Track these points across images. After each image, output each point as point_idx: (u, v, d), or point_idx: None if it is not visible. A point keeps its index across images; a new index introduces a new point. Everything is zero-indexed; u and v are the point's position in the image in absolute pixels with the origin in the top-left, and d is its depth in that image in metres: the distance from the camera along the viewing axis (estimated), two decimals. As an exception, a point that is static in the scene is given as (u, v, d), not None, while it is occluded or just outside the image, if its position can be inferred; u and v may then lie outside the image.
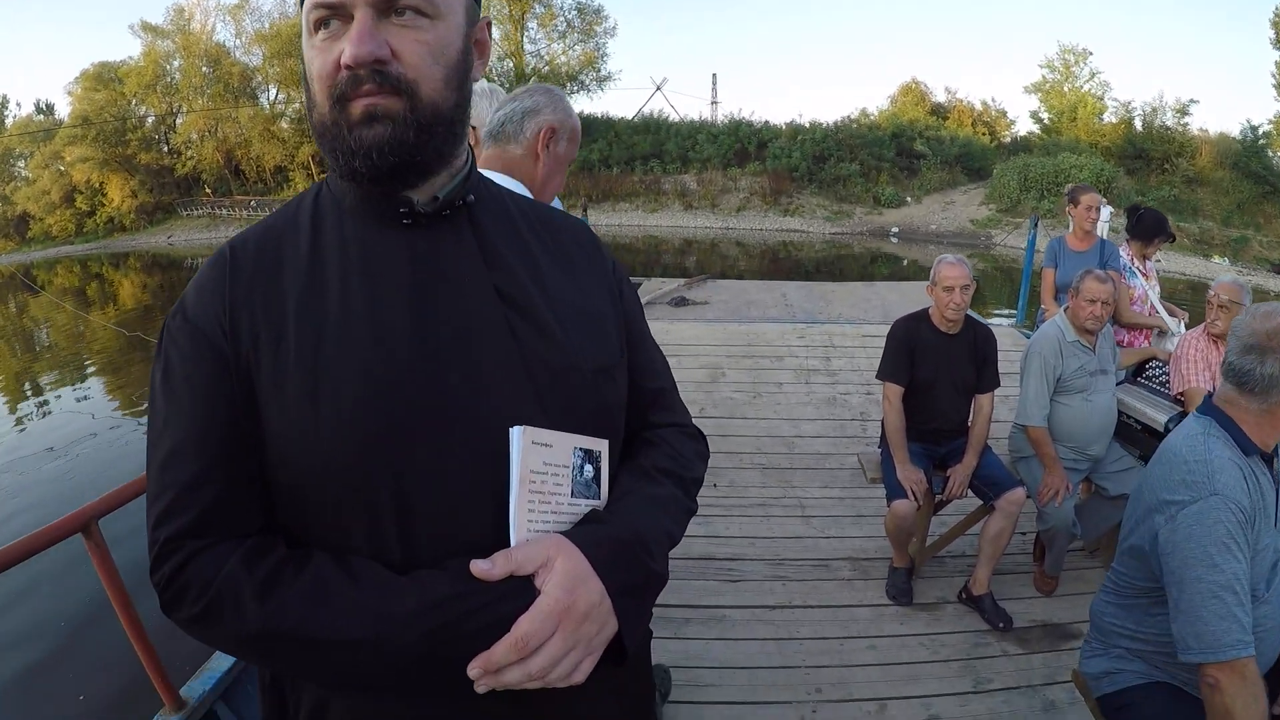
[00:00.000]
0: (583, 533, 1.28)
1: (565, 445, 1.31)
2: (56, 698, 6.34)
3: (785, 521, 5.65)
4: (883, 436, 4.81)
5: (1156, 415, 4.60)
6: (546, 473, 1.28)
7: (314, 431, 1.21)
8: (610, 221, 43.62)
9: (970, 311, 4.66)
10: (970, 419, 4.76)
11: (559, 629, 1.18)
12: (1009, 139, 55.65)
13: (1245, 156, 40.09)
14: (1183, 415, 4.45)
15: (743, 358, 9.27)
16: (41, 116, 62.04)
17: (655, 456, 1.51)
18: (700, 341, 9.76)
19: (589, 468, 1.35)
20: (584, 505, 1.34)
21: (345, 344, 1.24)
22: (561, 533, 1.28)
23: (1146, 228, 6.01)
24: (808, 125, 50.42)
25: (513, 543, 1.24)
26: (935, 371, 4.63)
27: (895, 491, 4.48)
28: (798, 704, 3.82)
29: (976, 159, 47.86)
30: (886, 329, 4.79)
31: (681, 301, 12.39)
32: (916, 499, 4.43)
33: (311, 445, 1.21)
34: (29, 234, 57.12)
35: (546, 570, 1.21)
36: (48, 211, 56.55)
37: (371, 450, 1.21)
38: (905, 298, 13.18)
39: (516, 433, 1.24)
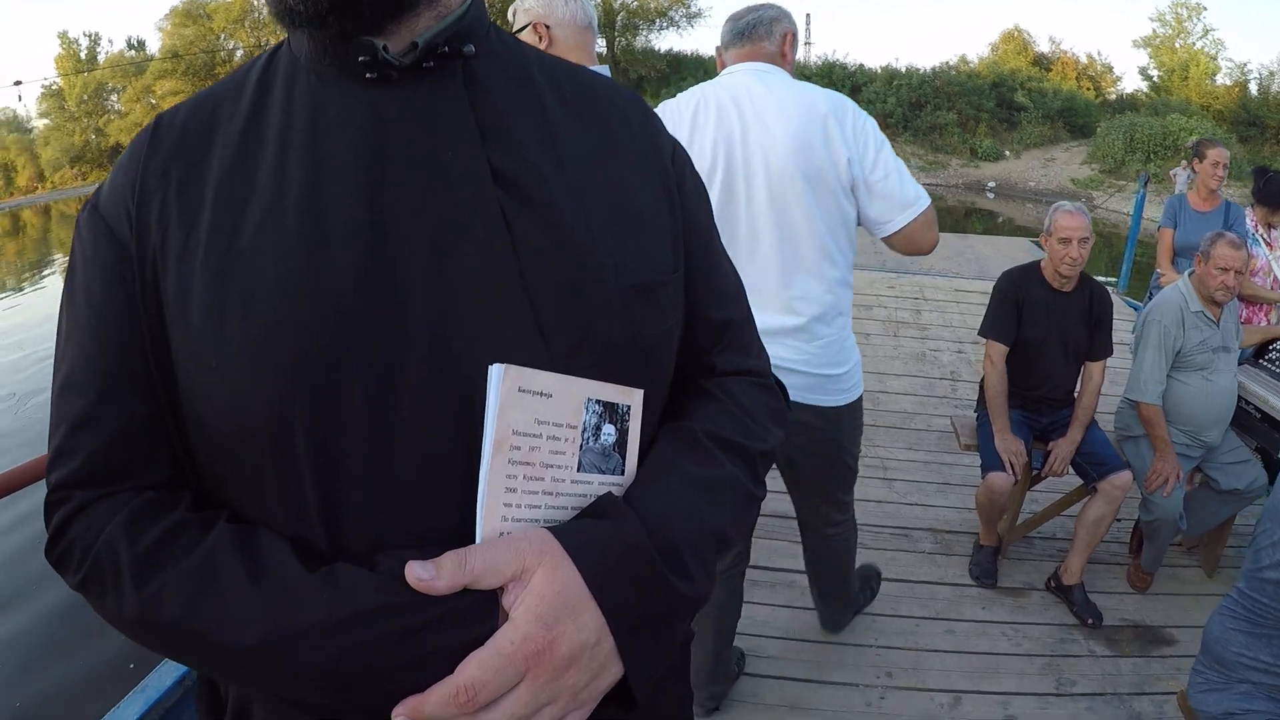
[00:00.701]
0: (583, 532, 0.91)
1: (573, 395, 0.93)
2: (51, 631, 6.29)
3: (866, 483, 5.17)
4: (980, 400, 4.44)
5: (1280, 404, 4.17)
6: (539, 435, 0.91)
7: (218, 357, 0.90)
8: None
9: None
10: (1077, 389, 4.35)
11: (527, 678, 0.84)
12: (1114, 96, 53.20)
13: (1371, 131, 37.68)
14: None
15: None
16: (133, 52, 64.25)
17: (713, 417, 1.11)
18: None
19: (609, 430, 0.98)
20: (597, 485, 0.97)
21: (265, 238, 0.91)
22: (554, 527, 0.91)
23: (1275, 192, 5.56)
24: (904, 70, 48.84)
25: (478, 536, 0.88)
26: (1044, 332, 4.21)
27: (992, 462, 4.11)
28: (865, 688, 3.54)
29: (1080, 115, 45.73)
30: (981, 284, 4.46)
31: None
32: (1015, 473, 4.06)
33: (216, 376, 0.90)
34: (122, 164, 60.38)
35: (519, 586, 0.86)
36: (140, 143, 59.52)
37: (286, 389, 0.88)
38: (1001, 253, 12.59)
39: (496, 374, 0.87)
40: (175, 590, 0.86)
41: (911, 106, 45.14)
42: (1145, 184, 10.33)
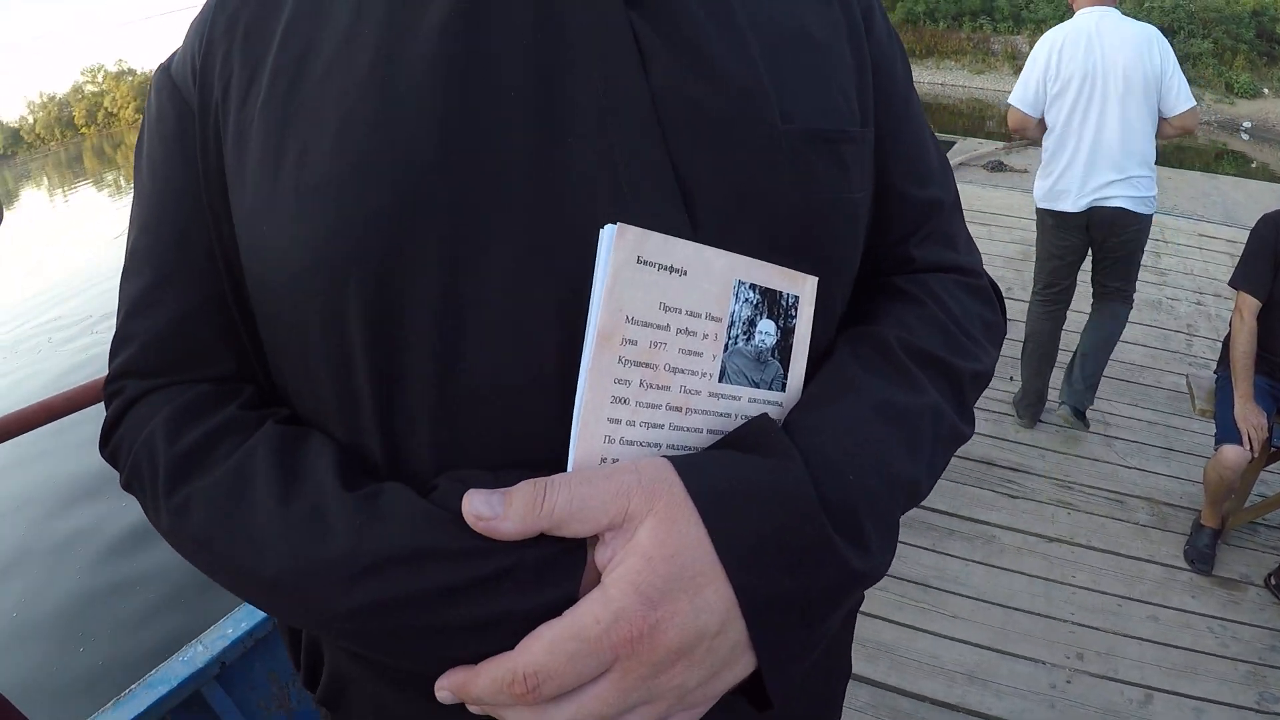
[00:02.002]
0: (719, 470, 0.67)
1: (718, 274, 0.69)
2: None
3: (1083, 437, 4.94)
4: (1222, 359, 4.01)
5: None
6: (666, 327, 0.67)
7: (271, 220, 0.74)
8: (932, 79, 40.21)
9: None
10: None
11: (615, 670, 0.62)
12: (1392, 36, 48.31)
13: None
14: None
15: (1060, 238, 8.25)
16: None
17: (911, 324, 0.86)
18: (1014, 213, 8.63)
19: (767, 327, 0.73)
20: (746, 401, 0.73)
21: (331, 80, 0.73)
22: (680, 459, 0.67)
23: None
24: None
25: (571, 462, 0.66)
26: None
27: (1228, 433, 3.70)
28: (1052, 666, 3.31)
29: (1352, 54, 41.20)
30: (1228, 231, 4.10)
31: (998, 166, 11.08)
32: (1253, 449, 3.64)
33: (269, 244, 0.74)
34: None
35: (620, 538, 0.64)
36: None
37: (340, 257, 0.70)
38: (1253, 199, 11.26)
39: (607, 237, 0.64)
40: (202, 502, 0.73)
41: (1164, 32, 41.64)
42: None
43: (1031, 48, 4.48)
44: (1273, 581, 3.79)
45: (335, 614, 0.66)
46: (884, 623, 3.49)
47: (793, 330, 0.75)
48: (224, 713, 2.61)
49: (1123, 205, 4.33)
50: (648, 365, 0.66)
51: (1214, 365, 4.48)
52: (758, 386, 0.73)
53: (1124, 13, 4.38)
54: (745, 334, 0.72)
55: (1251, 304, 3.79)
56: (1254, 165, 28.75)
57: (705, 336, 0.69)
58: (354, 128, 0.70)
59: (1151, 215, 4.43)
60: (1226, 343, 3.95)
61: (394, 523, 0.66)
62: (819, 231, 0.79)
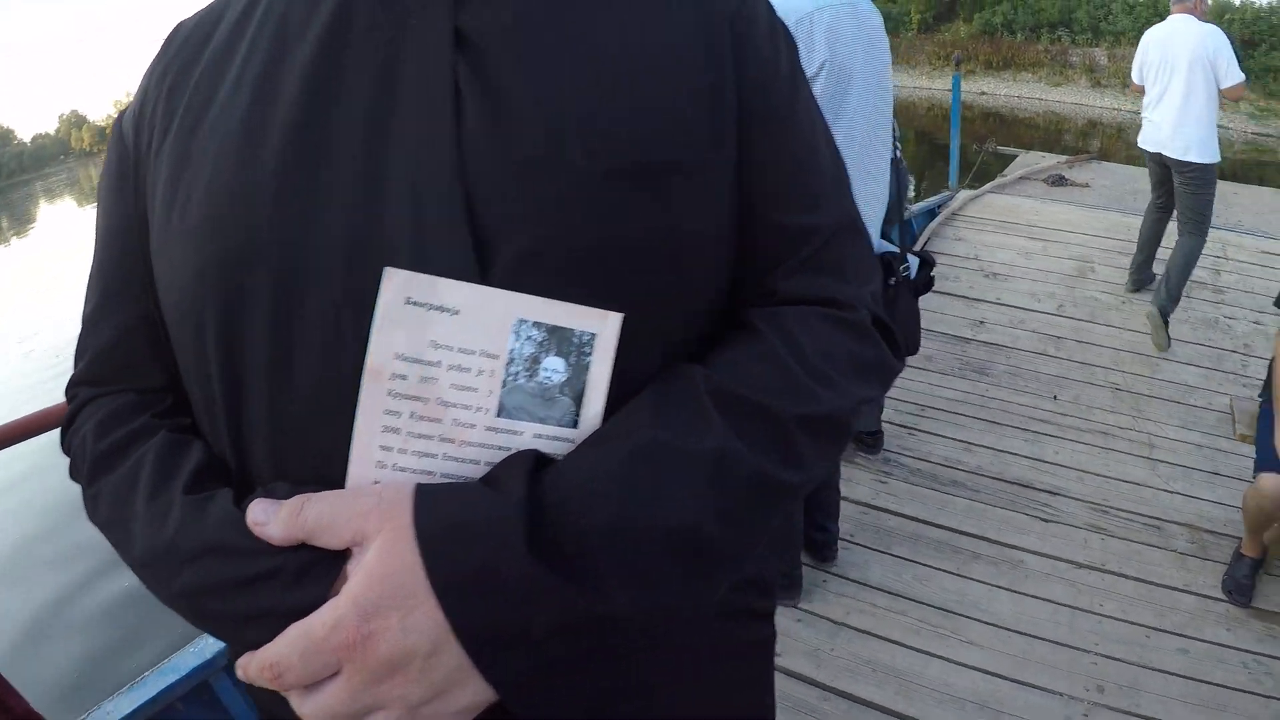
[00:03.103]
0: (448, 501, 0.71)
1: (494, 313, 0.73)
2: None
3: (1126, 460, 4.75)
4: (1267, 383, 3.83)
5: None
6: (437, 363, 0.73)
7: (163, 258, 0.86)
8: (1008, 92, 39.24)
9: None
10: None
11: (344, 673, 0.68)
12: None
13: None
14: None
15: (1118, 254, 7.90)
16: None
17: (737, 363, 0.83)
18: (1072, 228, 8.52)
19: (554, 364, 0.75)
20: (529, 437, 0.76)
21: (215, 135, 0.83)
22: (425, 489, 0.72)
23: None
24: (1237, 3, 42.05)
25: (347, 483, 0.74)
26: None
27: (1268, 462, 3.51)
28: (1068, 699, 3.14)
29: None
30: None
31: (1059, 180, 10.92)
32: (1293, 477, 3.50)
33: (162, 280, 0.87)
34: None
35: (361, 553, 0.70)
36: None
37: (198, 295, 0.81)
38: (1324, 217, 11.11)
39: (384, 280, 0.71)
40: (107, 495, 0.87)
41: (1244, 45, 39.77)
42: None
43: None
44: (1313, 615, 3.56)
45: (169, 595, 0.79)
46: (897, 647, 3.39)
47: (588, 367, 0.76)
48: (230, 703, 2.82)
49: (1181, 156, 6.23)
50: (418, 399, 0.73)
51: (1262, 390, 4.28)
52: (543, 422, 0.76)
53: (1205, 20, 6.21)
54: (528, 371, 0.75)
55: (1297, 329, 3.70)
56: (1335, 183, 27.79)
57: (480, 373, 0.74)
58: (216, 179, 0.80)
59: (1212, 164, 6.26)
60: (1272, 366, 3.76)
61: (207, 522, 0.76)
62: (627, 267, 0.79)
